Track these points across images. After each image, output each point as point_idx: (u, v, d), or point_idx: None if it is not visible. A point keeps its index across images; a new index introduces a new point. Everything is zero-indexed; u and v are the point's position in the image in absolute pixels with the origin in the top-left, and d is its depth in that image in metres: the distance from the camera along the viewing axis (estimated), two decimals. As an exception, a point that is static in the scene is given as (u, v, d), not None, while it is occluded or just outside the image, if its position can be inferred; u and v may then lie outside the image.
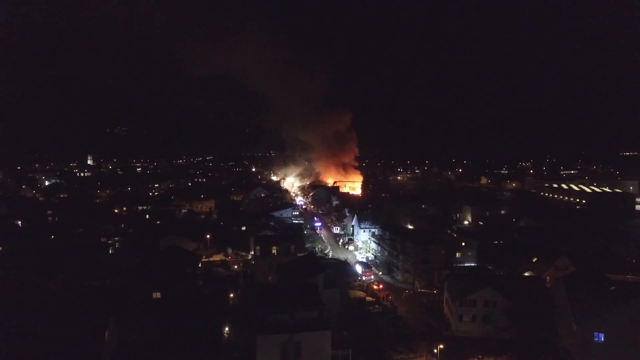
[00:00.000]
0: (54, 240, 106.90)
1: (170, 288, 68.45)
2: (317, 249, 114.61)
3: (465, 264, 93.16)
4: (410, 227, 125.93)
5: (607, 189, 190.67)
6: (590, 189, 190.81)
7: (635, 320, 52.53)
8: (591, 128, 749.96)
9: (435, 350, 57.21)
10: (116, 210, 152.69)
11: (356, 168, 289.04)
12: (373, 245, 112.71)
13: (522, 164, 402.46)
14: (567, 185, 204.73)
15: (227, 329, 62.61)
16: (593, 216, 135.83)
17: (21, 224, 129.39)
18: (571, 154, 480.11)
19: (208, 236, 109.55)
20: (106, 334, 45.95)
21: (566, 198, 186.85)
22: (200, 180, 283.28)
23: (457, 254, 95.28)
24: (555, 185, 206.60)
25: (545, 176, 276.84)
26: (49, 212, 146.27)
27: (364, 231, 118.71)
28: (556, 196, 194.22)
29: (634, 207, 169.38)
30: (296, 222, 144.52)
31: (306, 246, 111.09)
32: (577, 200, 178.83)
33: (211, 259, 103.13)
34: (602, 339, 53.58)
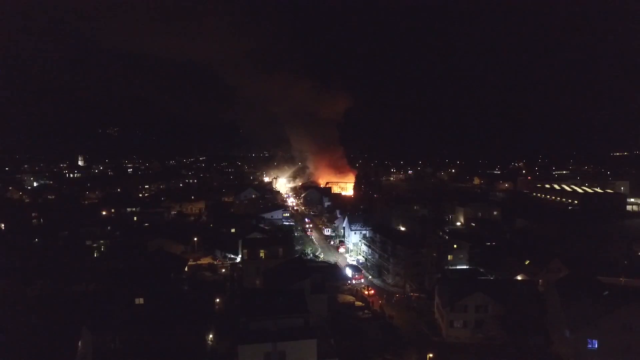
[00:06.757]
0: (36, 244, 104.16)
1: (154, 294, 66.25)
2: (308, 251, 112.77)
3: (458, 267, 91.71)
4: (402, 228, 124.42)
5: (598, 189, 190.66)
6: (582, 189, 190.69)
7: (629, 327, 51.22)
8: (582, 128, 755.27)
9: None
10: (104, 212, 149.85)
11: (349, 168, 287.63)
12: (364, 248, 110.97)
13: (514, 164, 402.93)
14: (559, 185, 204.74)
15: (211, 336, 60.61)
16: (585, 217, 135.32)
17: (4, 226, 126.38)
18: (563, 154, 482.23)
19: (196, 239, 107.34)
20: (79, 344, 43.70)
21: (558, 199, 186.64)
22: (191, 181, 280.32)
23: (449, 256, 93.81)
24: (547, 186, 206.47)
25: (538, 176, 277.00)
26: (34, 214, 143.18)
27: (355, 233, 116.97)
28: (548, 197, 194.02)
29: (625, 207, 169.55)
30: (287, 223, 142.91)
31: (296, 248, 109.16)
32: (569, 200, 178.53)
33: (199, 262, 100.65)
34: (596, 346, 52.24)
